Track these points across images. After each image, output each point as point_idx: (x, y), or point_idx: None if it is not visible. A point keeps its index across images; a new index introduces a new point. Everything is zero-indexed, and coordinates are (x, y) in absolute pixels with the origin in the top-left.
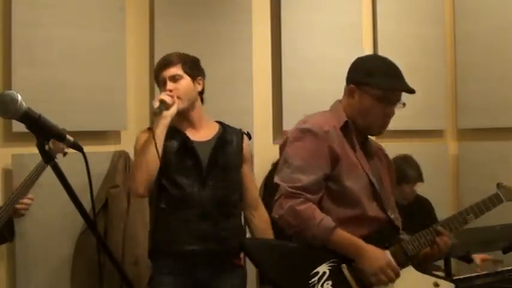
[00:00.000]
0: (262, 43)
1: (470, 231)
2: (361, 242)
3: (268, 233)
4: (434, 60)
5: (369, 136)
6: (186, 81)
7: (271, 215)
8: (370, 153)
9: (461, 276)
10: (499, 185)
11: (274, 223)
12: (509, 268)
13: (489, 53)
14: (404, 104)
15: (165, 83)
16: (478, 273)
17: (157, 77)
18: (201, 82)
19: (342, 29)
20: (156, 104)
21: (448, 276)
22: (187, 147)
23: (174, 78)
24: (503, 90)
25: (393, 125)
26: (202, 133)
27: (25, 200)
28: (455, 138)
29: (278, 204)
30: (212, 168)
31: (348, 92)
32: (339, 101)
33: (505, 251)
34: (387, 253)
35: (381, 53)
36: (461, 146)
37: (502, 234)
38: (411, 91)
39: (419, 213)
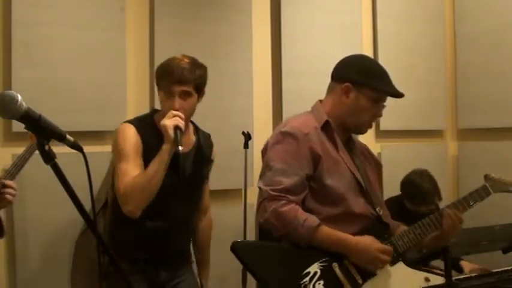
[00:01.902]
0: (262, 43)
1: (469, 231)
2: (346, 236)
3: (209, 235)
4: (434, 60)
5: (353, 136)
6: (193, 99)
7: (257, 219)
8: (355, 151)
9: (461, 276)
10: (486, 177)
11: (261, 226)
12: (509, 268)
13: (489, 53)
14: (384, 106)
15: (172, 96)
16: (477, 274)
17: (163, 85)
18: (203, 94)
19: (342, 29)
20: (172, 134)
21: (448, 277)
22: (174, 160)
23: (184, 95)
24: (503, 90)
25: (393, 125)
26: (186, 140)
27: (8, 190)
28: (455, 138)
29: (262, 207)
30: (190, 183)
31: (342, 91)
32: (320, 101)
33: (505, 251)
34: (374, 238)
35: (381, 53)
36: (461, 146)
37: (502, 234)
38: (403, 96)
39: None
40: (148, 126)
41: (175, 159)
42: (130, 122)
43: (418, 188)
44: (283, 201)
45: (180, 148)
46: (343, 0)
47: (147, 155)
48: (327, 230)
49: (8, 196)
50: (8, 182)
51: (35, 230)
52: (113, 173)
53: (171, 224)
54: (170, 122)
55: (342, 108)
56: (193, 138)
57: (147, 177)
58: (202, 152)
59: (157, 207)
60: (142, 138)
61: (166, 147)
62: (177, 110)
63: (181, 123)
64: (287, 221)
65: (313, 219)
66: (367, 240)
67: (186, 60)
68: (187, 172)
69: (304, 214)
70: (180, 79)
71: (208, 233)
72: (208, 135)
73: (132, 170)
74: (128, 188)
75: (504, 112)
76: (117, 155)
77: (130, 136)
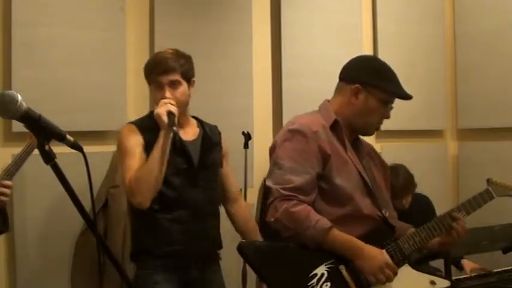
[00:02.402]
0: (262, 43)
1: (469, 231)
2: (358, 242)
3: (251, 220)
4: (434, 60)
5: (360, 136)
6: (183, 87)
7: (266, 218)
8: (362, 152)
9: (461, 276)
10: (489, 181)
11: (269, 225)
12: (509, 268)
13: (489, 53)
14: (392, 107)
15: (162, 88)
16: (478, 274)
17: (152, 79)
18: (194, 84)
19: (342, 29)
20: (166, 119)
21: (448, 277)
22: (180, 147)
23: (173, 84)
24: (503, 90)
25: (393, 125)
26: (188, 132)
27: (4, 190)
28: (455, 138)
29: (273, 207)
30: (202, 168)
31: (352, 92)
32: (328, 101)
33: (505, 251)
34: (384, 252)
35: (381, 53)
36: (461, 146)
37: (502, 234)
38: (411, 98)
39: (419, 212)
40: (148, 125)
41: (181, 146)
42: (131, 122)
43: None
44: (295, 201)
45: (175, 128)
46: (343, 0)
47: (150, 152)
48: (338, 233)
49: (2, 197)
50: (6, 182)
51: (35, 230)
52: (120, 173)
53: (191, 212)
54: (162, 109)
55: (350, 109)
56: (197, 129)
57: (148, 166)
58: (209, 139)
59: (175, 197)
60: (143, 135)
61: (162, 133)
62: None
63: (174, 108)
64: (299, 222)
65: (325, 221)
66: (377, 251)
67: (169, 51)
68: (196, 158)
69: (316, 215)
70: (165, 69)
71: (248, 219)
72: (215, 126)
73: (135, 164)
74: (132, 180)
75: (504, 112)
76: (121, 153)
77: (131, 133)
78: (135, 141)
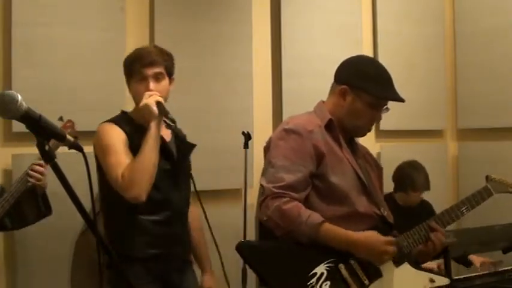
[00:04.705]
0: (262, 43)
1: (469, 231)
2: (351, 234)
3: (198, 228)
4: (434, 60)
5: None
6: (166, 82)
7: (258, 217)
8: (357, 152)
9: (461, 276)
10: (488, 178)
11: (263, 224)
12: (509, 268)
13: (489, 52)
14: (388, 109)
15: (145, 80)
16: (477, 273)
17: (135, 70)
18: (173, 81)
19: (342, 29)
20: (156, 110)
21: (448, 277)
22: (163, 148)
23: (157, 78)
24: (503, 90)
25: (393, 125)
26: (164, 132)
27: (38, 168)
28: (455, 138)
29: (264, 205)
30: (181, 169)
31: (340, 93)
32: (323, 101)
33: (505, 251)
34: (376, 232)
35: (381, 53)
36: (461, 146)
37: (501, 234)
38: (402, 101)
39: (420, 215)
40: (127, 123)
41: (165, 147)
42: (109, 121)
43: (412, 172)
44: (286, 199)
45: (170, 115)
46: (343, 0)
47: (133, 150)
48: (330, 227)
49: (38, 178)
50: (38, 162)
51: (35, 230)
52: (98, 176)
53: (173, 215)
54: (150, 99)
55: (340, 110)
56: (168, 130)
57: (144, 157)
58: (181, 140)
59: (161, 198)
60: (124, 129)
61: (153, 124)
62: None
63: (161, 99)
64: (290, 219)
65: (316, 216)
66: (370, 235)
67: (152, 46)
68: (176, 158)
69: (307, 211)
70: (151, 61)
71: (195, 226)
72: (179, 129)
73: (123, 159)
74: (126, 174)
75: (504, 112)
76: (105, 151)
77: (116, 132)
78: (119, 137)
